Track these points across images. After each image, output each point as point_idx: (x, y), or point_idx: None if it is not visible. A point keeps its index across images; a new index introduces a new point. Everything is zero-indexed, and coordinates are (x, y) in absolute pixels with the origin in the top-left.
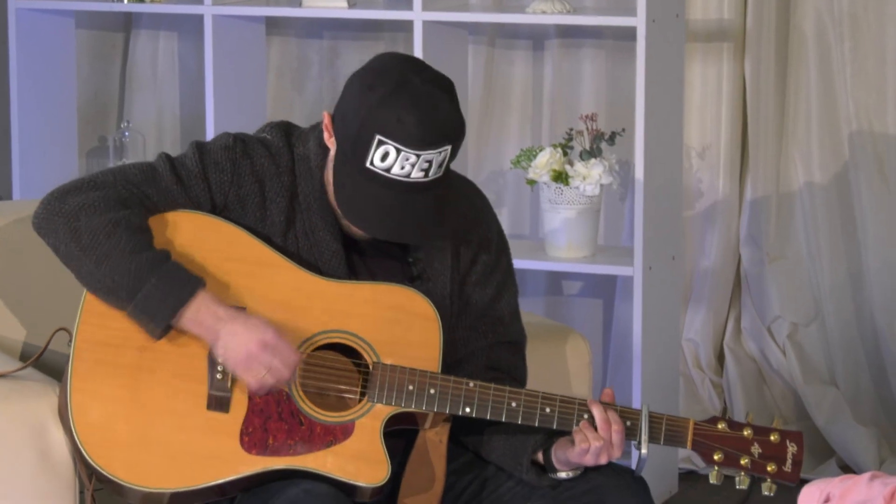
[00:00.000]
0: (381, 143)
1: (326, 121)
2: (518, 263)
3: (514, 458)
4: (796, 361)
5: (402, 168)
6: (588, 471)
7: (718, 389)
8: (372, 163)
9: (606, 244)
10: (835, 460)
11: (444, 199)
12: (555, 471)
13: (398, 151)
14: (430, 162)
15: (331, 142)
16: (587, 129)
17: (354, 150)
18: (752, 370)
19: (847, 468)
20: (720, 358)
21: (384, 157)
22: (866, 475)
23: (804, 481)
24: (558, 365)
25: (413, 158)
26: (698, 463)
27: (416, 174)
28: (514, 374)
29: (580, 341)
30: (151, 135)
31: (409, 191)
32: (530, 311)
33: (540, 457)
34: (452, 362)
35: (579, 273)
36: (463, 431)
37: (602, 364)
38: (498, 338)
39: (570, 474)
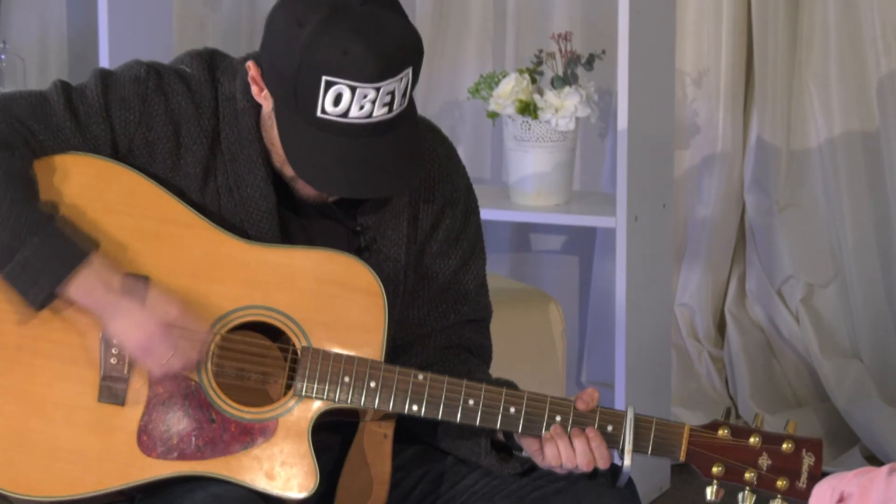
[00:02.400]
0: (329, 84)
1: (253, 73)
2: None
3: (471, 440)
4: (812, 330)
5: (362, 108)
6: None
7: (719, 364)
8: (324, 110)
9: (583, 190)
10: (858, 449)
11: (415, 137)
12: (519, 449)
13: (352, 90)
14: (391, 93)
15: (263, 97)
16: (560, 50)
17: (298, 100)
18: (758, 341)
19: (874, 459)
20: (721, 327)
21: (337, 100)
22: (885, 468)
23: (822, 474)
24: (526, 336)
25: (371, 94)
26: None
27: (379, 111)
28: (476, 352)
29: (552, 306)
30: (33, 59)
31: (376, 133)
32: (493, 271)
33: (500, 435)
34: (403, 343)
35: (551, 225)
36: (411, 419)
37: (578, 334)
38: (460, 317)
39: None
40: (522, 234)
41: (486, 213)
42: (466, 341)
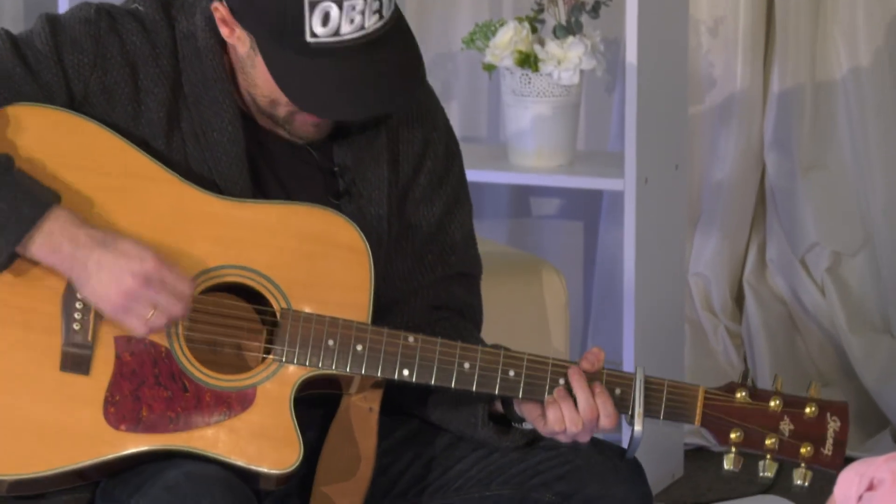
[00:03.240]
0: (313, 5)
1: (222, 13)
2: (473, 175)
3: (467, 411)
4: (839, 303)
5: (352, 22)
6: (562, 444)
7: (736, 340)
8: (314, 34)
9: (588, 149)
10: (889, 432)
11: (412, 47)
12: (519, 420)
13: (338, 4)
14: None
15: (237, 38)
16: None
17: (284, 31)
18: (780, 315)
19: None
20: (738, 299)
21: (325, 19)
22: None
23: (848, 460)
24: (525, 309)
25: (359, 3)
26: (710, 437)
27: (371, 20)
28: (467, 314)
29: (554, 277)
30: None
31: (372, 49)
32: (489, 237)
33: (499, 406)
34: (388, 302)
35: (552, 188)
36: (398, 390)
37: (583, 306)
38: (448, 270)
39: None
40: (521, 198)
41: (481, 175)
42: (455, 301)
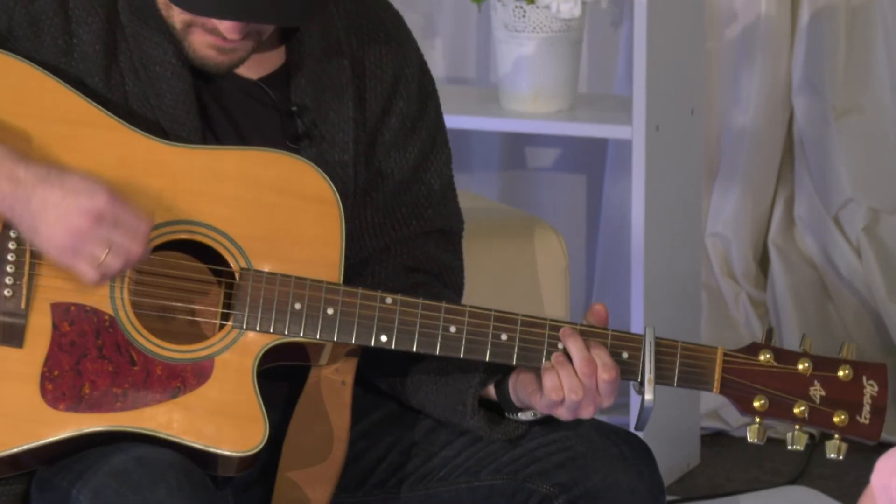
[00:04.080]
0: None
1: None
2: (460, 122)
3: (454, 397)
4: (876, 266)
5: None
6: (561, 427)
7: (760, 310)
8: None
9: (592, 93)
10: None
11: None
12: (514, 409)
13: None
14: None
15: None
16: None
17: None
18: (810, 280)
19: None
20: (763, 263)
21: None
22: None
23: (884, 446)
24: (520, 274)
25: None
26: (730, 420)
27: None
28: (446, 277)
29: (552, 238)
30: None
31: None
32: (479, 192)
33: (492, 392)
34: (356, 262)
35: (551, 136)
36: (375, 366)
37: (585, 272)
38: (424, 225)
39: (537, 414)
40: (516, 147)
41: (469, 122)
42: (434, 262)
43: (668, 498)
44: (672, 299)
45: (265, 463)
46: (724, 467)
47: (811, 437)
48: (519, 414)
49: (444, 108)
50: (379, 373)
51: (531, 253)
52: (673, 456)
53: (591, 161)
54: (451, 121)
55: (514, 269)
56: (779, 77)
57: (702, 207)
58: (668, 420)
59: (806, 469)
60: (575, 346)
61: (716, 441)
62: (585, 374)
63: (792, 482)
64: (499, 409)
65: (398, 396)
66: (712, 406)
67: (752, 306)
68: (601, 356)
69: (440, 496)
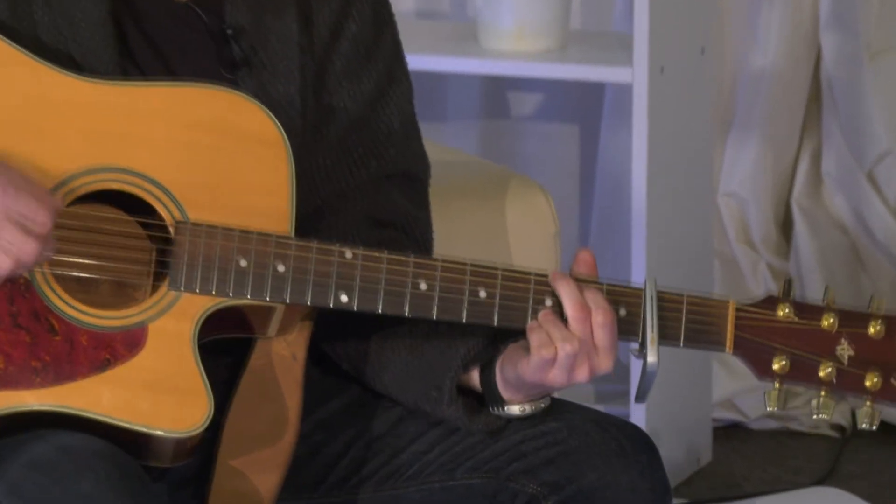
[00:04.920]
0: None
1: None
2: (432, 63)
3: (427, 380)
4: None
5: None
6: (551, 417)
7: (781, 280)
8: None
9: (586, 29)
10: None
11: None
12: (500, 402)
13: None
14: None
15: None
16: None
17: None
18: (840, 245)
19: None
20: (785, 226)
21: None
22: None
23: None
24: (502, 239)
25: None
26: (747, 410)
27: None
28: (411, 230)
29: (540, 198)
30: None
31: None
32: (454, 144)
33: (475, 378)
34: (309, 211)
35: (539, 80)
36: (332, 341)
37: (578, 237)
38: (385, 167)
39: (528, 409)
40: (498, 93)
41: (444, 63)
42: (398, 213)
43: (675, 501)
44: (679, 269)
45: (201, 457)
46: (739, 465)
47: (841, 430)
48: (506, 408)
49: (414, 47)
50: (337, 349)
51: (515, 216)
52: (680, 452)
53: (585, 109)
54: (422, 62)
55: (495, 235)
56: (804, 11)
57: (714, 163)
58: (675, 410)
59: (835, 467)
60: (565, 290)
61: (730, 435)
62: (578, 319)
63: (819, 483)
64: (478, 398)
65: (360, 378)
66: (726, 394)
67: (772, 277)
68: (595, 299)
69: (409, 497)
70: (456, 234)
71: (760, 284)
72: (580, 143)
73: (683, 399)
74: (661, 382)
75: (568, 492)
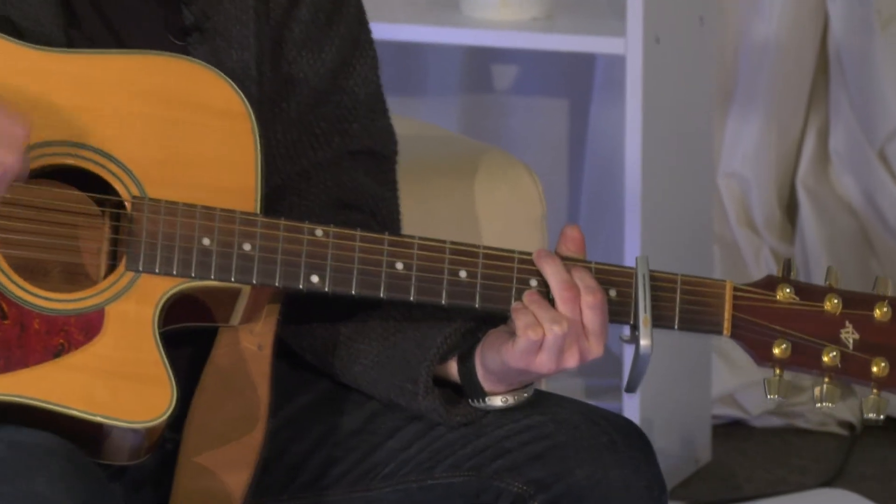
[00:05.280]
0: None
1: None
2: (411, 33)
3: (401, 372)
4: None
5: None
6: (537, 411)
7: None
8: None
9: None
10: None
11: None
12: (481, 394)
13: None
14: None
15: None
16: None
17: None
18: (849, 230)
19: None
20: (790, 209)
21: None
22: None
23: None
24: (485, 223)
25: None
26: (749, 406)
27: None
28: (378, 212)
29: (525, 178)
30: None
31: None
32: (433, 120)
33: (453, 370)
34: (267, 192)
35: (524, 51)
36: (297, 330)
37: (566, 220)
38: (349, 143)
39: (511, 399)
40: (480, 65)
41: (423, 34)
42: (364, 195)
43: None
44: (676, 255)
45: (161, 456)
46: (741, 465)
47: (850, 427)
48: (487, 400)
49: (390, 16)
50: (301, 339)
51: (499, 197)
52: (677, 451)
53: (575, 83)
54: (400, 32)
55: (476, 218)
56: None
57: (714, 140)
58: (672, 406)
59: (844, 468)
60: (552, 269)
61: (731, 433)
62: (567, 299)
63: (827, 484)
64: (457, 389)
65: (329, 370)
66: (727, 389)
67: (776, 263)
68: (584, 278)
69: (385, 498)
70: (434, 216)
71: (763, 271)
72: (569, 120)
73: (680, 394)
74: (655, 375)
75: (556, 490)
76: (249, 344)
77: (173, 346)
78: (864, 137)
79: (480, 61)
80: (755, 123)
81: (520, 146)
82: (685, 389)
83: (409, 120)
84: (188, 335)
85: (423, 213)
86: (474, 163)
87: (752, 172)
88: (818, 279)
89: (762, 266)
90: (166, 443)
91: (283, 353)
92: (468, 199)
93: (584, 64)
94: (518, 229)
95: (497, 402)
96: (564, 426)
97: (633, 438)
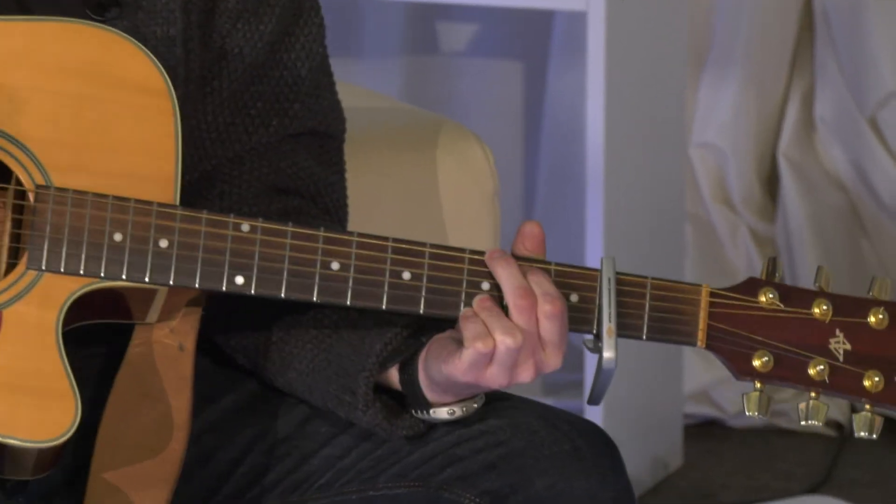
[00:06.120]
0: None
1: None
2: None
3: (338, 381)
4: None
5: None
6: (491, 414)
7: (767, 248)
8: None
9: None
10: None
11: None
12: (425, 406)
13: None
14: None
15: None
16: None
17: None
18: (835, 206)
19: None
20: (771, 183)
21: None
22: None
23: None
24: (430, 199)
25: None
26: (725, 403)
27: None
28: (325, 198)
29: (475, 149)
30: None
31: None
32: (372, 86)
33: (394, 377)
34: (195, 179)
35: (474, 7)
36: (226, 329)
37: (522, 196)
38: (289, 125)
39: (458, 411)
40: (425, 23)
41: None
42: (307, 178)
43: None
44: (644, 235)
45: (72, 463)
46: (717, 470)
47: (840, 427)
48: (431, 412)
49: None
50: (231, 340)
51: (446, 171)
52: (645, 455)
53: (531, 43)
54: None
55: (421, 195)
56: None
57: (685, 107)
58: (639, 404)
59: (832, 472)
60: (505, 273)
61: (706, 433)
62: (522, 308)
63: (813, 490)
64: (400, 396)
65: (260, 374)
66: (700, 385)
67: (755, 244)
68: (542, 283)
69: None
70: (374, 194)
71: (741, 253)
72: (524, 84)
73: (648, 390)
74: (621, 369)
75: (513, 503)
76: (169, 342)
77: (83, 344)
78: (854, 103)
79: (424, 19)
80: (731, 88)
81: (469, 114)
82: (654, 385)
83: (344, 85)
84: (99, 332)
85: (361, 189)
86: (418, 133)
87: (729, 143)
88: (801, 262)
89: (740, 248)
90: (78, 450)
91: (207, 349)
92: (411, 175)
93: (540, 22)
94: (467, 208)
95: (443, 414)
96: (521, 431)
97: (598, 444)
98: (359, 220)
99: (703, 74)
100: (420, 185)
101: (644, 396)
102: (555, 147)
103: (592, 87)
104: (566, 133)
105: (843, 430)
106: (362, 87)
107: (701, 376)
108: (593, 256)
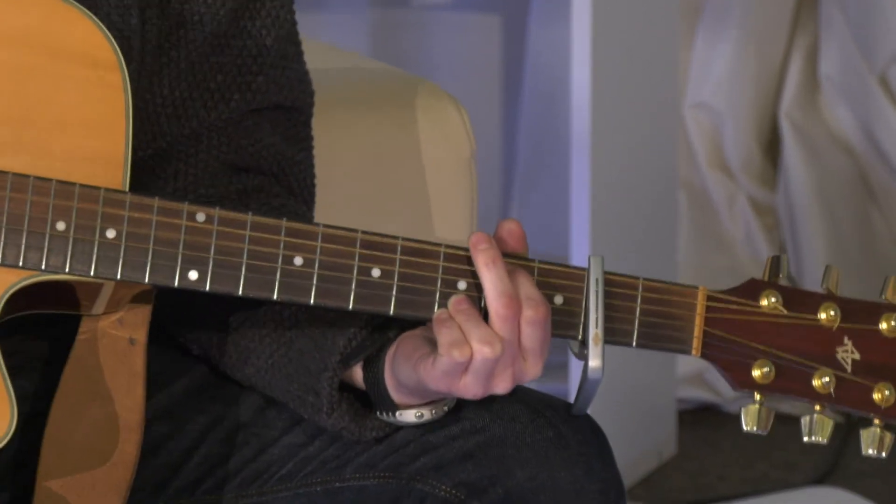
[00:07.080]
0: None
1: None
2: None
3: (300, 380)
4: None
5: None
6: (468, 401)
7: (768, 219)
8: None
9: None
10: None
11: None
12: (391, 407)
13: None
14: None
15: None
16: None
17: None
18: (842, 171)
19: None
20: (771, 147)
21: None
22: None
23: None
24: (400, 167)
25: None
26: (722, 387)
27: None
28: (289, 178)
29: (450, 111)
30: None
31: None
32: (338, 42)
33: (359, 375)
34: (148, 156)
35: None
36: (178, 319)
37: (501, 163)
38: (252, 100)
39: (426, 414)
40: None
41: None
42: (270, 156)
43: None
44: (633, 205)
45: (12, 467)
46: (713, 459)
47: (846, 415)
48: (398, 414)
49: None
50: (185, 331)
51: (419, 135)
52: (636, 443)
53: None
54: None
55: (392, 160)
56: None
57: (679, 65)
58: (629, 388)
59: (838, 462)
60: (490, 275)
61: (701, 420)
62: (505, 317)
63: (818, 482)
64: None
65: (217, 368)
66: (695, 368)
67: (755, 214)
68: (525, 286)
69: (283, 503)
70: (338, 161)
71: (739, 224)
72: (502, 40)
73: (640, 373)
74: (610, 352)
75: (492, 495)
76: (118, 334)
77: (27, 335)
78: (862, 60)
79: None
80: (729, 44)
81: (443, 72)
82: (644, 367)
83: (306, 41)
84: (43, 323)
85: (323, 156)
86: (388, 93)
87: (726, 103)
88: (806, 235)
89: (737, 218)
90: (23, 444)
91: (156, 333)
92: (380, 139)
93: None
94: (442, 174)
95: (410, 417)
96: (501, 416)
97: (584, 432)
98: (321, 192)
99: (698, 28)
100: (390, 150)
101: (634, 379)
102: (536, 108)
103: (577, 43)
104: (549, 93)
105: (849, 418)
106: (325, 42)
107: (695, 359)
108: (578, 230)
